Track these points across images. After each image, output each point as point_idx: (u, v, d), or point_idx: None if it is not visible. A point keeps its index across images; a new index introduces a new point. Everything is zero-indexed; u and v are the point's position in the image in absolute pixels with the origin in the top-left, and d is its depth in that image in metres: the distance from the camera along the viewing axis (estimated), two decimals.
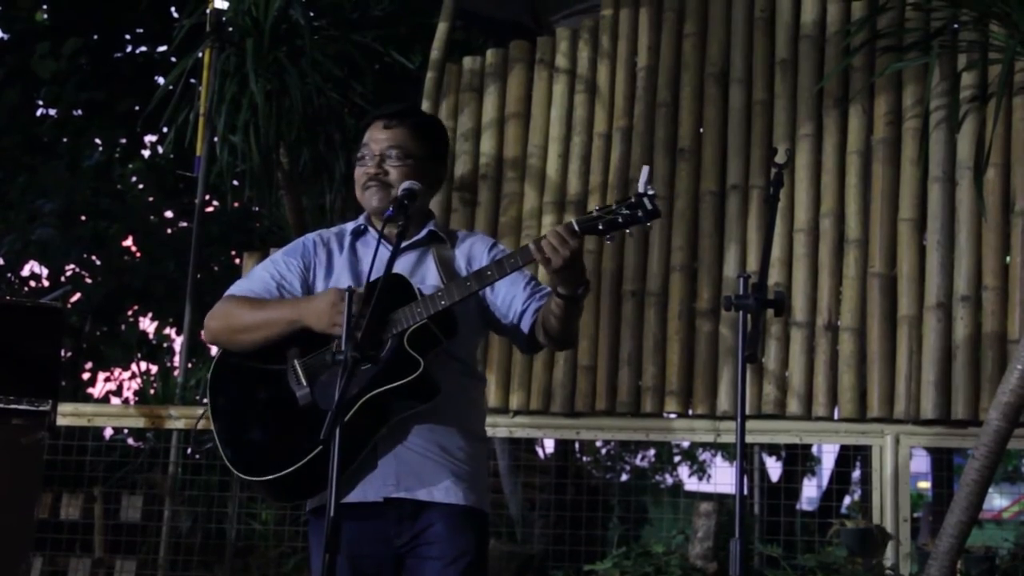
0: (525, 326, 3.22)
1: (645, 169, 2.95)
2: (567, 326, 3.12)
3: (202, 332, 3.39)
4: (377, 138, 3.30)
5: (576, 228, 2.94)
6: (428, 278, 3.22)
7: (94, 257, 11.77)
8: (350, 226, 3.42)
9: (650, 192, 2.91)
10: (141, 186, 12.51)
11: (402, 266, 3.24)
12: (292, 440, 3.07)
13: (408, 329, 3.07)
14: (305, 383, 3.14)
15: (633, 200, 2.92)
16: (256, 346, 3.22)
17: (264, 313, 3.22)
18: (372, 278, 3.10)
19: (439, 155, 3.40)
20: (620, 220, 2.93)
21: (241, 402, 3.26)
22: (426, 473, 3.12)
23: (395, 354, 3.07)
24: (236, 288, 3.37)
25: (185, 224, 11.72)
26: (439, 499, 3.11)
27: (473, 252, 3.30)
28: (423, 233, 3.32)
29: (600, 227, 2.94)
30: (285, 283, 3.31)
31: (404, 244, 3.26)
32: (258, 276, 3.36)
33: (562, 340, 3.19)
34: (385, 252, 3.10)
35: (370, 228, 3.35)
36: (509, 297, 3.24)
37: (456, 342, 3.18)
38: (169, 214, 12.27)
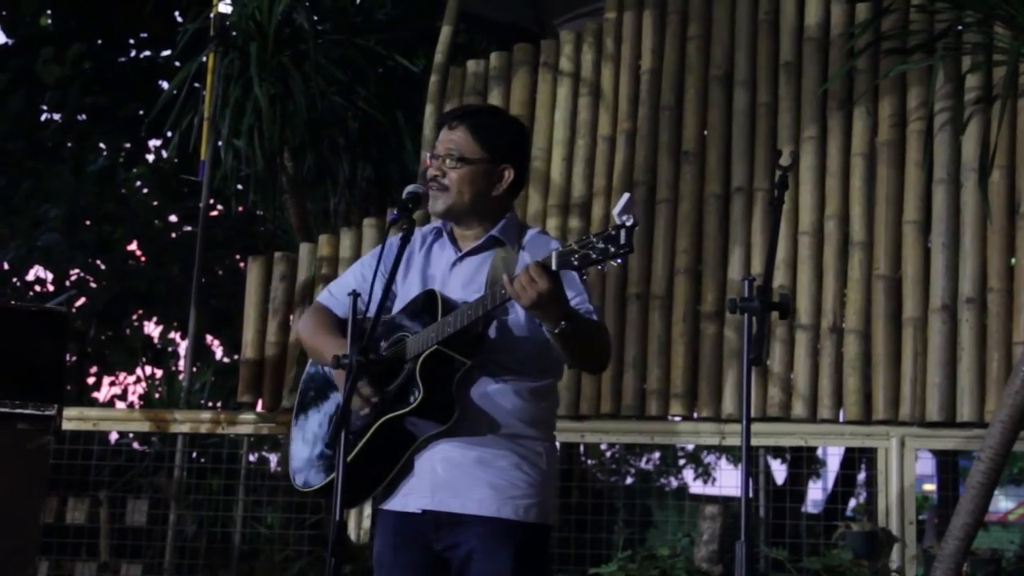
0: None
1: (625, 196, 2.77)
2: (572, 355, 3.09)
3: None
4: (441, 139, 3.29)
5: (552, 266, 2.85)
6: (484, 288, 3.16)
7: (99, 262, 11.78)
8: (432, 227, 3.41)
9: (627, 223, 2.73)
10: (145, 190, 12.52)
11: (464, 271, 3.25)
12: (329, 452, 3.12)
13: (420, 355, 3.07)
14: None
15: (611, 232, 2.76)
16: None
17: (316, 342, 3.33)
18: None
19: (503, 155, 3.28)
20: (594, 256, 2.78)
21: (310, 413, 3.35)
22: (462, 485, 3.09)
23: (407, 380, 3.09)
24: (323, 294, 3.47)
25: (189, 228, 11.73)
26: (472, 511, 3.08)
27: (533, 257, 3.17)
28: (485, 238, 3.26)
29: (575, 262, 2.82)
30: (367, 286, 3.27)
31: (470, 247, 3.27)
32: (343, 282, 3.44)
33: (578, 366, 3.18)
34: (449, 253, 3.26)
35: (445, 231, 3.34)
36: None
37: (503, 353, 3.14)
38: (173, 218, 12.28)
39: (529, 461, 3.16)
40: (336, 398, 3.25)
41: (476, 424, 3.11)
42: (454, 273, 3.25)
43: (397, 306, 3.28)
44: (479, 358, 3.11)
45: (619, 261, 2.79)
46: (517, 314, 3.16)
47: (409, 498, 3.14)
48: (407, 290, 3.26)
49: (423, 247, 3.37)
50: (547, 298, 2.86)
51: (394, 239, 3.34)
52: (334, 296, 3.41)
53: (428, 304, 3.15)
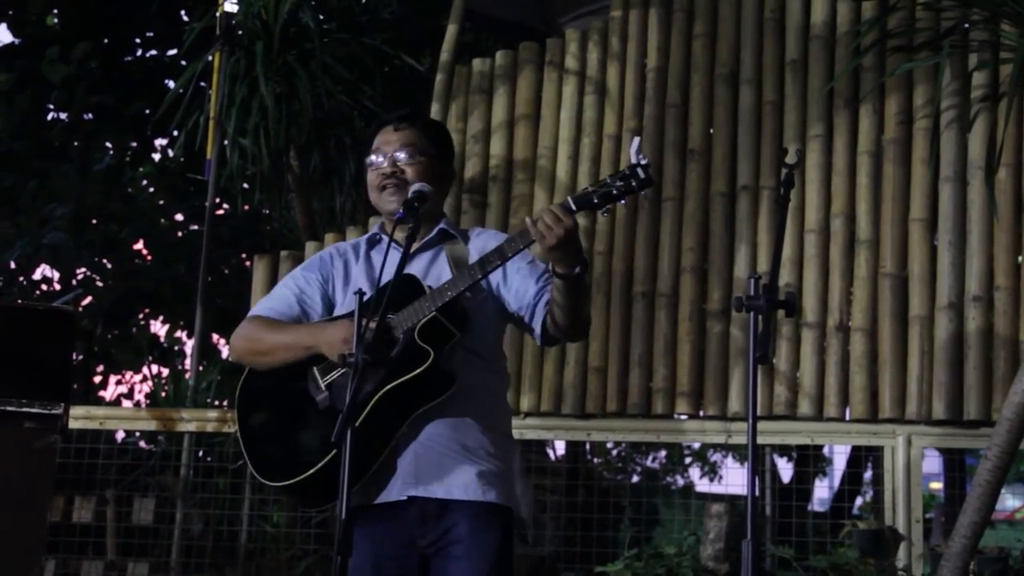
0: (538, 317, 3.23)
1: (636, 140, 2.98)
2: (572, 309, 3.10)
3: (227, 351, 3.43)
4: (389, 140, 3.35)
5: (572, 205, 2.96)
6: (443, 276, 3.23)
7: (105, 260, 11.80)
8: (365, 237, 3.48)
9: (643, 161, 2.93)
10: (152, 189, 12.55)
11: (416, 267, 3.28)
12: (312, 444, 3.10)
13: (418, 323, 3.09)
14: (323, 387, 3.17)
15: (627, 171, 2.94)
16: (277, 367, 3.27)
17: (283, 337, 3.27)
18: (383, 281, 3.12)
19: (447, 156, 3.46)
20: (614, 192, 2.94)
21: (266, 413, 3.31)
22: (446, 471, 3.13)
23: (406, 348, 3.09)
24: (260, 308, 3.42)
25: (195, 227, 11.74)
26: (459, 496, 3.12)
27: (486, 247, 3.30)
28: (434, 232, 3.35)
29: (595, 200, 2.96)
30: (306, 297, 3.36)
31: (417, 245, 3.29)
32: (280, 294, 3.41)
33: (570, 326, 3.16)
34: (396, 255, 3.14)
35: (383, 235, 3.37)
36: (522, 290, 3.25)
37: (474, 338, 3.19)
38: (179, 217, 12.30)
39: (502, 451, 3.25)
40: (299, 389, 3.22)
41: (460, 407, 3.15)
42: (406, 271, 3.26)
43: (340, 311, 3.31)
44: (466, 333, 3.16)
45: (644, 193, 2.96)
46: (482, 302, 3.24)
47: (392, 488, 3.14)
48: (351, 299, 3.18)
49: (359, 258, 3.40)
50: (570, 237, 2.95)
51: (324, 253, 3.45)
52: (275, 310, 3.36)
53: (408, 288, 3.15)
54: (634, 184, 2.94)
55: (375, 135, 3.41)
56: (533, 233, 2.95)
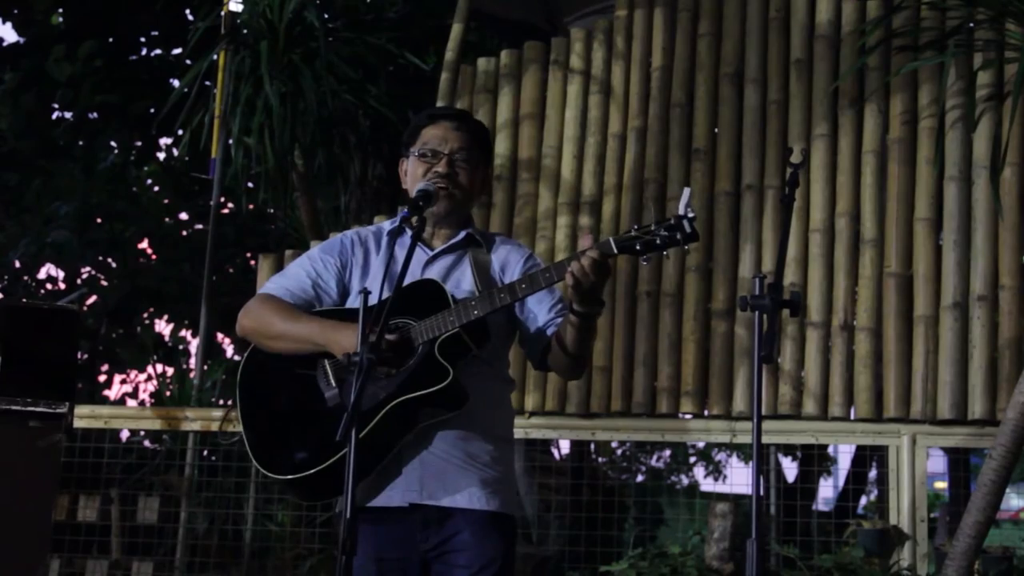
0: (541, 344, 3.23)
1: (686, 191, 2.94)
2: (578, 348, 3.12)
3: (236, 326, 3.37)
4: (447, 137, 3.30)
5: (614, 249, 2.93)
6: (463, 283, 3.22)
7: (110, 260, 11.83)
8: (387, 226, 3.41)
9: (690, 215, 2.91)
10: (156, 188, 12.57)
11: (438, 269, 3.26)
12: (319, 440, 3.06)
13: (439, 337, 3.07)
14: (334, 384, 3.14)
15: (672, 222, 2.92)
16: (284, 353, 3.23)
17: (295, 328, 3.21)
18: (404, 282, 3.10)
19: (490, 162, 3.44)
20: (658, 242, 2.92)
21: (270, 400, 3.26)
22: (450, 479, 3.11)
23: (425, 361, 3.07)
24: (272, 285, 3.35)
25: (200, 226, 11.78)
26: (463, 505, 3.10)
27: (508, 260, 3.30)
28: (460, 237, 3.31)
29: (638, 247, 2.94)
30: (321, 282, 3.30)
31: (442, 246, 3.29)
32: (294, 274, 3.35)
33: (571, 364, 3.19)
34: (421, 255, 3.19)
35: (407, 229, 3.26)
36: (535, 313, 3.25)
37: (486, 347, 3.17)
38: (184, 216, 12.33)
39: (505, 457, 3.24)
40: (308, 380, 3.19)
41: (467, 416, 3.13)
42: (427, 272, 3.25)
43: (353, 301, 3.25)
44: (485, 348, 3.14)
45: (687, 248, 2.98)
46: (497, 314, 3.19)
47: (394, 494, 3.12)
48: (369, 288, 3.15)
49: (380, 249, 3.35)
50: (604, 283, 2.96)
51: (345, 237, 3.39)
52: (289, 291, 3.31)
53: (429, 293, 3.13)
54: (679, 237, 2.91)
55: (426, 126, 3.34)
56: (577, 272, 2.93)
